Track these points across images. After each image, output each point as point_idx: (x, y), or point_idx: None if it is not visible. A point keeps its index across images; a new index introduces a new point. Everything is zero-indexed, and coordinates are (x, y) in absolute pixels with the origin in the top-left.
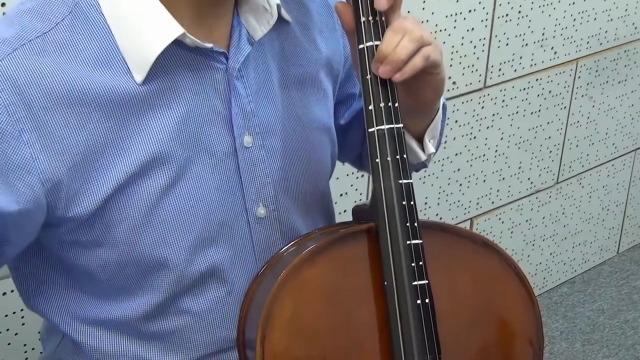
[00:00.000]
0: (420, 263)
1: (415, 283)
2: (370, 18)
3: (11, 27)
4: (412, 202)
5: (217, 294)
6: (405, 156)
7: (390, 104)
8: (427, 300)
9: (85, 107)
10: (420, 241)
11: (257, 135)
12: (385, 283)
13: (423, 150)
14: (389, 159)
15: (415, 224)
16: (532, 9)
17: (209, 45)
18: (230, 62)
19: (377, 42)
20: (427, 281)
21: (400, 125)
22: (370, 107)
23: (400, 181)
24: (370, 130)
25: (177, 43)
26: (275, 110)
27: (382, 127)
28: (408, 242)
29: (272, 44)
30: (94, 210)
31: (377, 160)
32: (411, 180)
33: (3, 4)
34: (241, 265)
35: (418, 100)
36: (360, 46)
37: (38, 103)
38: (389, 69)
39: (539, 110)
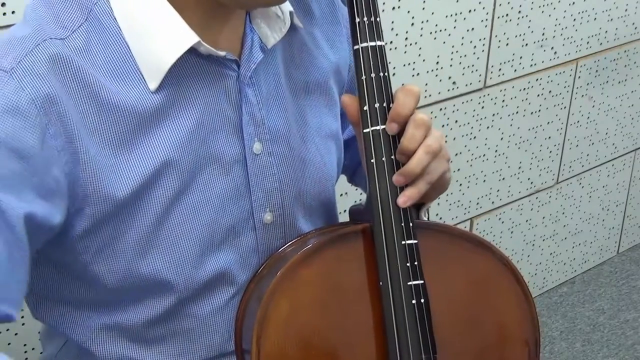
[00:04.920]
0: (416, 263)
1: (411, 283)
2: (365, 19)
3: (28, 25)
4: None
5: (223, 298)
6: None
7: (385, 104)
8: (422, 300)
9: (101, 109)
10: (415, 241)
11: (267, 142)
12: (381, 283)
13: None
14: (384, 159)
15: (410, 224)
16: (532, 9)
17: (222, 53)
18: (241, 70)
19: (372, 43)
20: (422, 281)
21: None
22: (365, 108)
23: None
24: (365, 131)
25: (190, 51)
26: (285, 116)
27: (377, 127)
28: (403, 242)
29: (283, 50)
30: (106, 215)
31: (372, 160)
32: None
33: (3, 4)
34: (247, 269)
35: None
36: (356, 47)
37: (61, 97)
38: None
39: (539, 110)
